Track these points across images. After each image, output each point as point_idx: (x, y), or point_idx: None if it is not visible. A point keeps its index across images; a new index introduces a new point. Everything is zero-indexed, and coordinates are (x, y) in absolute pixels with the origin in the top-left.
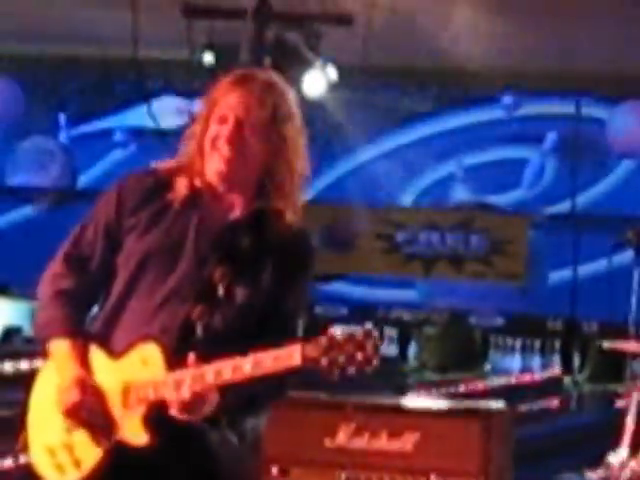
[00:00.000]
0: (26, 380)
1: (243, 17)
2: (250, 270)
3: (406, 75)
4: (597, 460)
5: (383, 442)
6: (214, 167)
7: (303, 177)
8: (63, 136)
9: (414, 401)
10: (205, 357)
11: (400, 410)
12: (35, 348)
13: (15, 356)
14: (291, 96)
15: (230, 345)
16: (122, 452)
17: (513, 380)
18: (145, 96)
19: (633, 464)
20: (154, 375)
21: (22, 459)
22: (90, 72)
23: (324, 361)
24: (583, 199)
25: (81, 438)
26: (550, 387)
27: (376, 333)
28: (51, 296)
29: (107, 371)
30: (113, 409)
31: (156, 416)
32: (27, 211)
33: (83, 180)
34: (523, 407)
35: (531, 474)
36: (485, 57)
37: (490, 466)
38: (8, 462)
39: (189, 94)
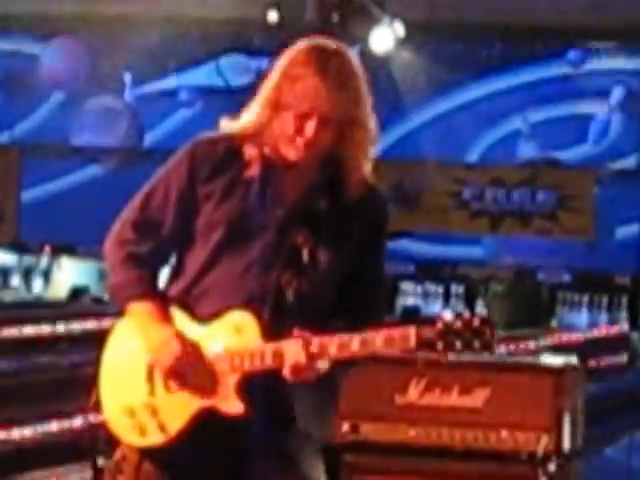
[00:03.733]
0: (94, 340)
1: None
2: (332, 233)
3: (471, 31)
4: None
5: (454, 398)
6: (290, 152)
7: (373, 136)
8: (129, 95)
9: (484, 357)
10: (296, 323)
11: (471, 366)
12: (103, 308)
13: (82, 316)
14: (357, 63)
15: (317, 310)
16: (211, 418)
17: (580, 336)
18: (212, 55)
19: None
20: (248, 343)
21: (92, 419)
22: (156, 31)
23: (440, 345)
24: None
25: (167, 401)
26: (617, 343)
27: (491, 319)
28: (123, 259)
29: (194, 334)
30: (205, 373)
31: (248, 385)
32: (93, 171)
33: (149, 139)
34: (590, 363)
35: (599, 430)
36: (551, 12)
37: (561, 422)
38: (77, 421)
39: (255, 52)
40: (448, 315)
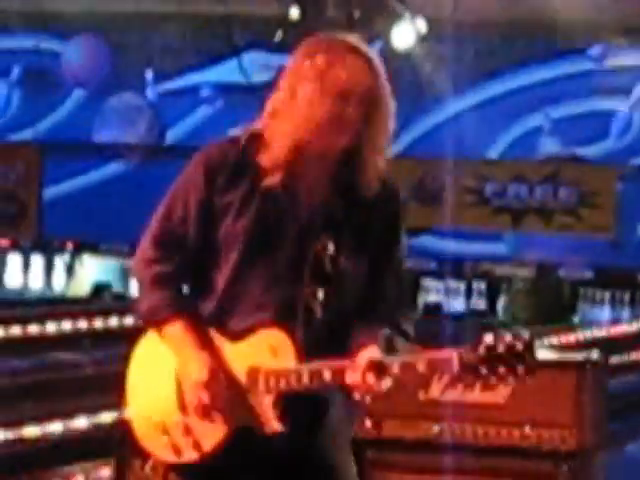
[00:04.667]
0: (116, 337)
1: None
2: (352, 237)
3: (494, 27)
4: None
5: (476, 394)
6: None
7: (390, 134)
8: (150, 92)
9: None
10: (325, 335)
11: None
12: (125, 305)
13: (105, 312)
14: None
15: (344, 319)
16: (245, 437)
17: (603, 332)
18: (233, 51)
19: None
20: (284, 364)
21: (117, 415)
22: (177, 28)
23: (483, 370)
24: None
25: (200, 422)
26: None
27: (534, 343)
28: (151, 281)
29: (228, 354)
30: (239, 395)
31: (284, 404)
32: (115, 167)
33: (171, 136)
34: (613, 359)
35: (623, 427)
36: (573, 9)
37: (584, 418)
38: (102, 418)
39: (277, 49)
40: (489, 338)
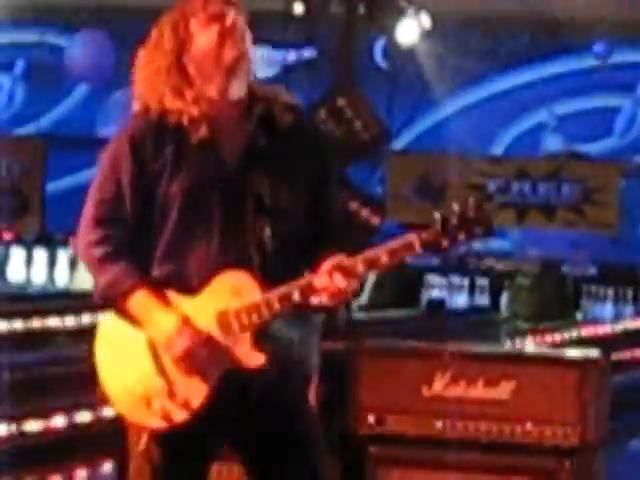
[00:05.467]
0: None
1: None
2: (282, 168)
3: (498, 23)
4: None
5: (479, 390)
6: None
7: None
8: None
9: (510, 349)
10: (281, 266)
11: (496, 358)
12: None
13: (108, 308)
14: None
15: (294, 248)
16: (232, 379)
17: (606, 329)
18: None
19: None
20: (250, 299)
21: (103, 412)
22: None
23: (445, 242)
24: None
25: (184, 380)
26: None
27: (481, 203)
28: (100, 260)
29: (194, 309)
30: (216, 342)
31: (261, 337)
32: None
33: None
34: (615, 356)
35: (624, 423)
36: (578, 5)
37: (587, 415)
38: (105, 412)
39: (280, 45)
40: (440, 213)
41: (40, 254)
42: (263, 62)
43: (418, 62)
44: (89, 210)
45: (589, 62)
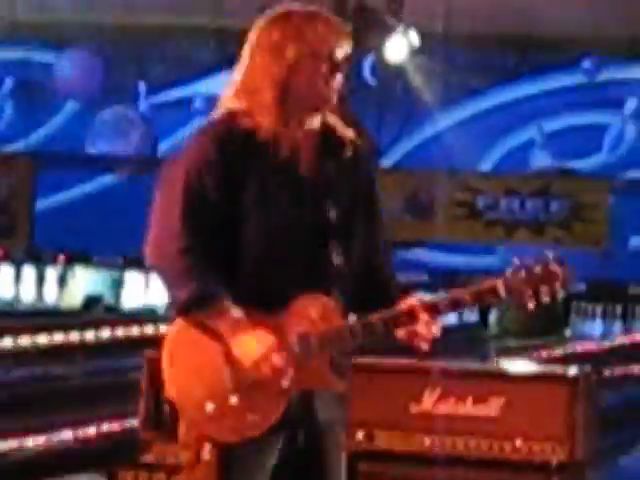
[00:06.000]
0: (108, 348)
1: None
2: (347, 196)
3: (486, 41)
4: None
5: (468, 407)
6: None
7: None
8: (143, 105)
9: (499, 366)
10: (352, 293)
11: (485, 375)
12: (117, 317)
13: (96, 325)
14: None
15: (357, 273)
16: (303, 401)
17: (595, 346)
18: (227, 63)
19: None
20: (331, 324)
21: (106, 428)
22: (171, 40)
23: (528, 292)
24: None
25: (262, 395)
26: (632, 353)
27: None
28: (186, 271)
29: (274, 328)
30: (298, 361)
31: (336, 364)
32: (107, 180)
33: (164, 148)
34: (605, 373)
35: (614, 439)
36: (566, 22)
37: (576, 432)
38: (91, 431)
39: None
40: (525, 261)
41: (29, 272)
42: None
43: (407, 79)
44: (173, 219)
45: (578, 79)
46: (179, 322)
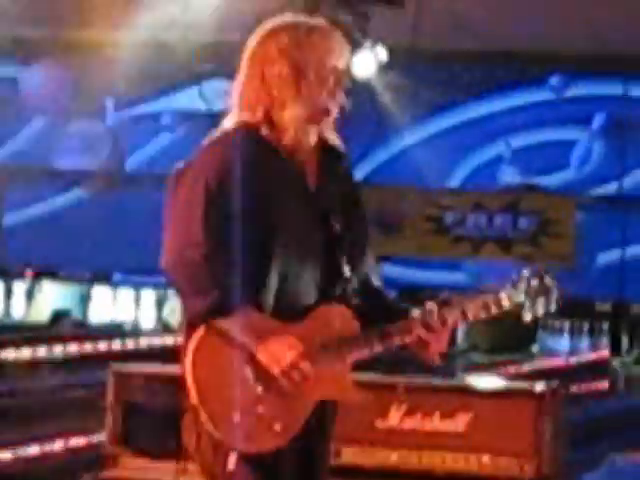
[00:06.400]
0: (75, 363)
1: None
2: (347, 209)
3: (454, 57)
4: None
5: (435, 422)
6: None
7: None
8: (111, 119)
9: (466, 382)
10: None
11: (452, 390)
12: (84, 331)
13: (64, 339)
14: None
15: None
16: (320, 411)
17: (562, 362)
18: (194, 79)
19: None
20: (348, 334)
21: (73, 442)
22: (138, 55)
23: (528, 303)
24: (631, 181)
25: (283, 404)
26: (598, 369)
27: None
28: (210, 278)
29: (297, 337)
30: (319, 370)
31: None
32: (75, 194)
33: (131, 163)
34: (572, 389)
35: (580, 455)
36: (533, 38)
37: (543, 447)
38: (58, 445)
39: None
40: (524, 273)
41: None
42: (220, 94)
43: (375, 95)
44: (194, 226)
45: (545, 95)
46: (201, 331)
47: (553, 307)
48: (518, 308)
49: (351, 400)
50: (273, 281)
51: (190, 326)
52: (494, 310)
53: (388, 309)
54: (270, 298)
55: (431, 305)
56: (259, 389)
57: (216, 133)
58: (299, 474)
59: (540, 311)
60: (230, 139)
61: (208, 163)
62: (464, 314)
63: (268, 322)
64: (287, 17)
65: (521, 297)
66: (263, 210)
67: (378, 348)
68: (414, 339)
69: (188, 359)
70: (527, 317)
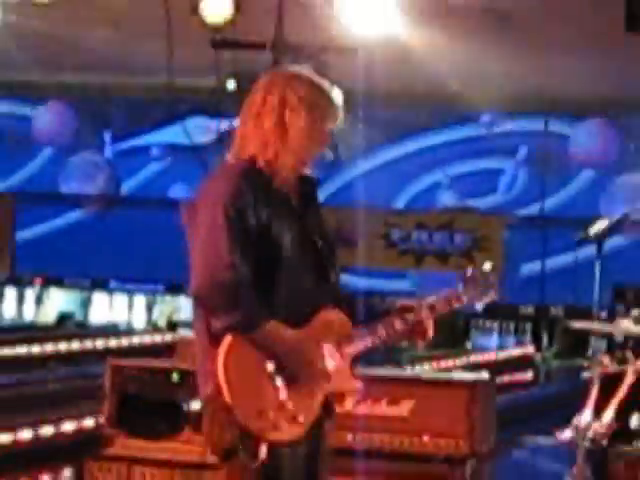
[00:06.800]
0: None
1: (262, 49)
2: (323, 232)
3: (402, 98)
4: (565, 423)
5: (384, 408)
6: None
7: None
8: (108, 151)
9: (410, 373)
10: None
11: (398, 381)
12: (85, 331)
13: (68, 338)
14: None
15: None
16: (327, 401)
17: (491, 357)
18: (179, 117)
19: (596, 425)
20: (347, 332)
21: (76, 425)
22: (131, 97)
23: (477, 297)
24: (550, 203)
25: (304, 398)
26: (523, 363)
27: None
28: (237, 296)
29: (303, 336)
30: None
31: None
32: (77, 214)
33: (125, 188)
34: (499, 379)
35: (507, 435)
36: (468, 82)
37: (475, 429)
38: (67, 427)
39: (216, 115)
40: (472, 272)
41: (10, 292)
42: (201, 130)
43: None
44: (220, 251)
45: (477, 131)
46: (229, 340)
47: (496, 296)
48: (470, 301)
49: (351, 389)
50: (281, 293)
51: (214, 337)
52: (454, 303)
53: (369, 310)
54: (281, 308)
55: (412, 302)
56: (283, 388)
57: (222, 165)
58: (314, 454)
59: (487, 300)
60: (237, 170)
61: (223, 190)
62: (432, 309)
63: (286, 330)
64: (294, 69)
65: (472, 291)
66: (269, 230)
67: (370, 342)
68: (398, 331)
69: (220, 364)
70: (478, 306)
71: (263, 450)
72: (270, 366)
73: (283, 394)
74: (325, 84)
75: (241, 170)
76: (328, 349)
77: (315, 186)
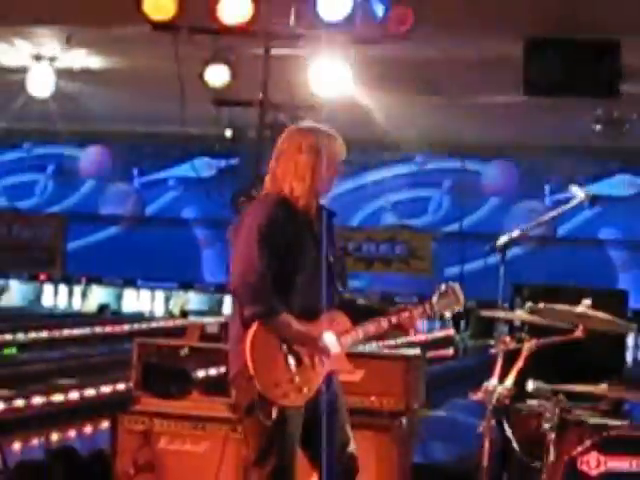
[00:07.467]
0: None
1: (252, 106)
2: (334, 252)
3: (356, 143)
4: (477, 387)
5: (342, 376)
6: (321, 193)
7: None
8: (136, 182)
9: (360, 349)
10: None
11: (352, 355)
12: (119, 318)
13: (106, 323)
14: None
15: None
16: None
17: (423, 337)
18: (189, 157)
19: (500, 389)
20: (344, 327)
21: (114, 388)
22: (153, 142)
23: (449, 306)
24: (466, 222)
25: (309, 375)
26: (446, 342)
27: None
28: (265, 294)
29: (312, 328)
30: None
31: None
32: (113, 230)
33: (149, 211)
34: (429, 354)
35: (434, 397)
36: (405, 132)
37: (410, 391)
38: (107, 389)
39: (217, 155)
40: (445, 288)
41: (62, 289)
42: (206, 167)
43: None
44: (253, 259)
45: (413, 168)
46: (255, 327)
47: (461, 308)
48: (442, 310)
49: (346, 369)
50: (298, 295)
51: (244, 324)
52: (428, 310)
53: (366, 310)
54: (296, 307)
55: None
56: (294, 365)
57: (260, 196)
58: (314, 418)
59: (455, 310)
60: (270, 200)
61: (259, 214)
62: (411, 316)
63: (297, 322)
64: (306, 123)
65: (444, 302)
66: (292, 247)
67: (361, 336)
68: (384, 329)
69: (247, 345)
70: (447, 314)
71: (275, 412)
72: (284, 348)
73: (293, 370)
74: (331, 132)
75: (273, 200)
76: (329, 338)
77: (332, 216)
